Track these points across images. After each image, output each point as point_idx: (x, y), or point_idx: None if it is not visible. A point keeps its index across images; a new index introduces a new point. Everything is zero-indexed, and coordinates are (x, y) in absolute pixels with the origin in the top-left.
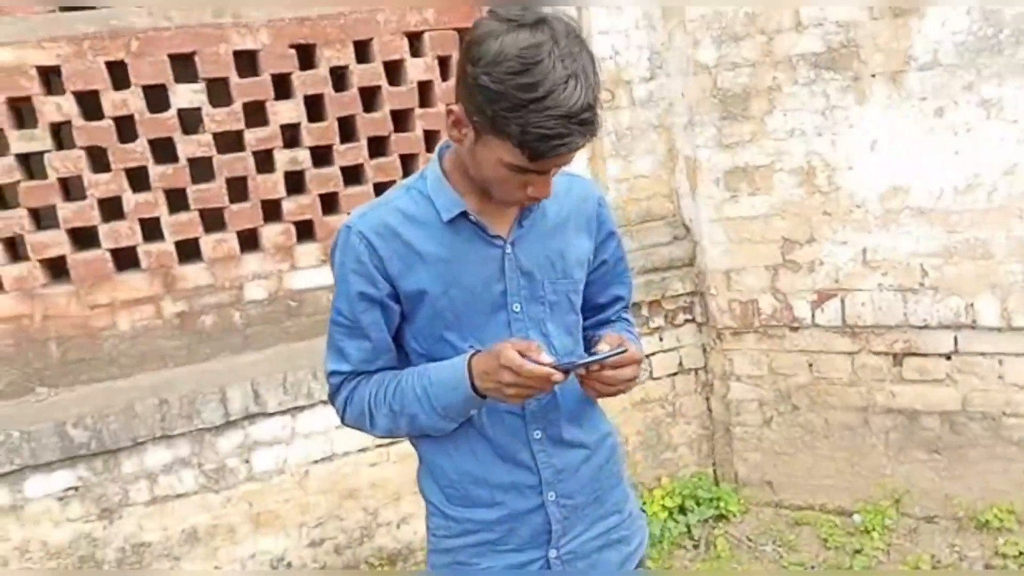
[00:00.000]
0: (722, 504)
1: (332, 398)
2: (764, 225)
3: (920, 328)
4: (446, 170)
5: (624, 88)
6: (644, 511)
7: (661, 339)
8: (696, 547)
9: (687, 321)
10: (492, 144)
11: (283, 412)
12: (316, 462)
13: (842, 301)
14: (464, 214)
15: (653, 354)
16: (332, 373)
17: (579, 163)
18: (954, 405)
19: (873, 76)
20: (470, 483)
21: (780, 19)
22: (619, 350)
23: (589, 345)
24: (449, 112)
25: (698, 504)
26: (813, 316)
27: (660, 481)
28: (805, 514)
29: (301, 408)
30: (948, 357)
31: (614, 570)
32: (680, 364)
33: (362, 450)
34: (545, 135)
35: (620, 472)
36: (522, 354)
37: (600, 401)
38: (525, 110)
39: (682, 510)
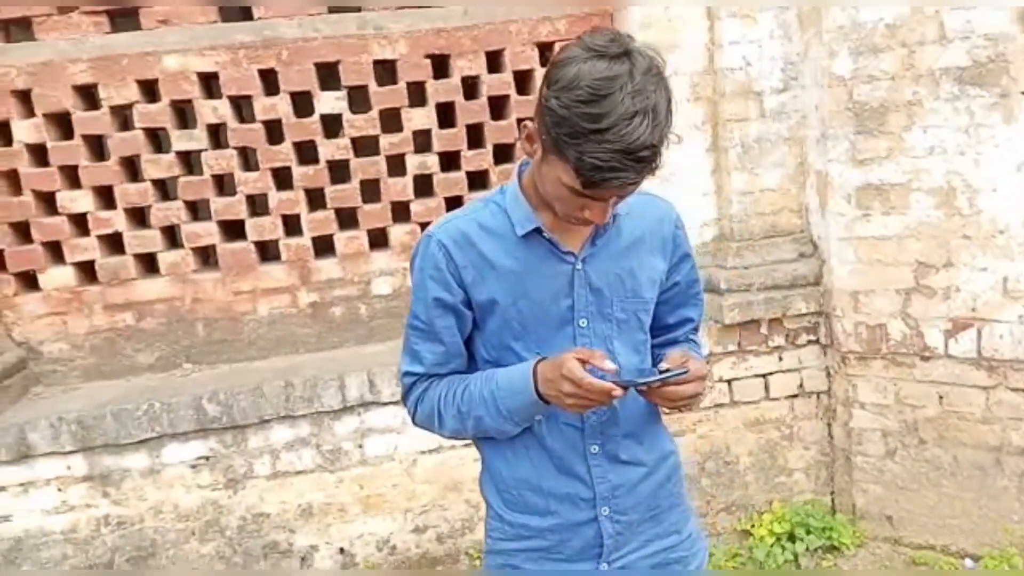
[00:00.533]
0: (835, 535)
1: (404, 398)
2: (897, 246)
3: None
4: (524, 186)
5: (754, 100)
6: (706, 533)
7: (781, 359)
8: None
9: (810, 342)
10: (554, 163)
11: (396, 403)
12: (424, 452)
13: (979, 332)
14: (538, 230)
15: (771, 374)
16: (405, 374)
17: (703, 175)
18: None
19: (1023, 94)
20: (527, 490)
21: (923, 31)
22: (681, 370)
23: (655, 362)
24: (524, 127)
25: (808, 532)
26: (946, 346)
27: (771, 505)
28: (924, 554)
29: None
30: None
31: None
32: (801, 386)
33: (467, 445)
34: (599, 167)
35: (680, 492)
36: (586, 361)
37: (676, 417)
38: (585, 139)
39: (791, 537)
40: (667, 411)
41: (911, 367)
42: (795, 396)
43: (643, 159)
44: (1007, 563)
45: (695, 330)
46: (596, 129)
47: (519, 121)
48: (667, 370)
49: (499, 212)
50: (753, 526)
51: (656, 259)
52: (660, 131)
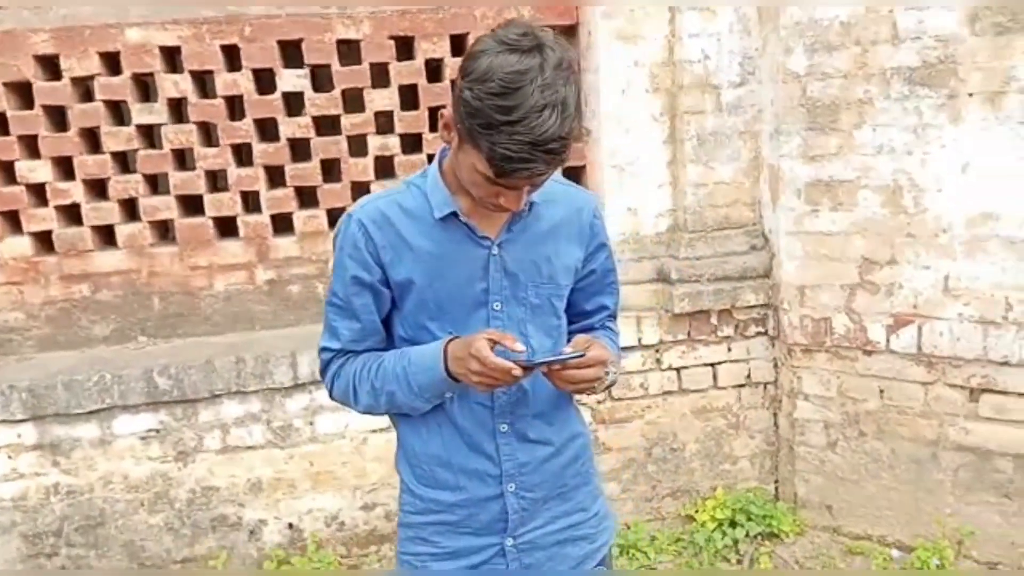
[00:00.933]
0: (775, 523)
1: (322, 373)
2: (844, 242)
3: (1000, 364)
4: (444, 171)
5: (711, 93)
6: (614, 512)
7: (729, 349)
8: (739, 562)
9: (759, 334)
10: (469, 152)
11: None
12: (374, 431)
13: (919, 328)
14: (455, 213)
15: (720, 363)
16: (323, 349)
17: (659, 166)
18: None
19: (970, 95)
20: (437, 465)
21: (877, 30)
22: (577, 353)
23: None
24: (441, 115)
25: (749, 519)
26: (888, 341)
27: (715, 492)
28: (862, 544)
29: None
30: None
31: (572, 564)
32: (748, 376)
33: None
34: (510, 157)
35: (589, 472)
36: (496, 343)
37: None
38: (496, 131)
39: (733, 523)
40: (576, 394)
41: (854, 361)
42: (743, 386)
43: (552, 151)
44: (939, 555)
45: (612, 317)
46: (507, 121)
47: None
48: (567, 353)
49: (420, 195)
50: (697, 511)
51: (572, 247)
52: (569, 124)
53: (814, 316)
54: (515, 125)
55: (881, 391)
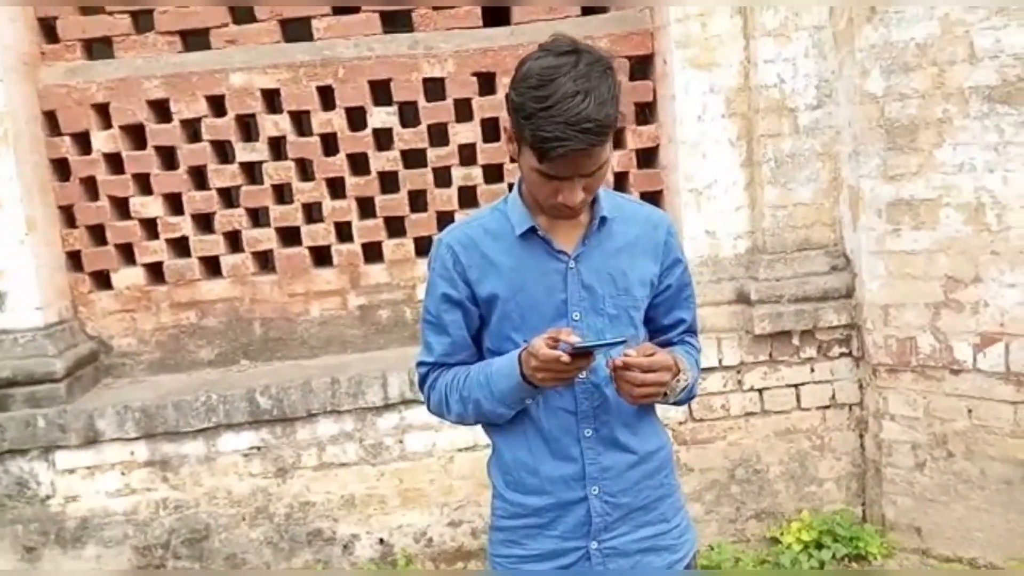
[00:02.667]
0: (862, 544)
1: (420, 387)
2: (927, 261)
3: None
4: (523, 194)
5: (788, 116)
6: (694, 526)
7: (813, 370)
8: None
9: (843, 354)
10: (523, 153)
11: None
12: (461, 450)
13: (1006, 347)
14: (533, 229)
15: (803, 384)
16: (419, 364)
17: (737, 189)
18: None
19: None
20: (524, 471)
21: (953, 50)
22: (620, 339)
23: None
24: (504, 128)
25: (835, 541)
26: (975, 360)
27: (800, 514)
28: (952, 566)
29: None
30: None
31: (654, 573)
32: (833, 397)
33: None
34: (547, 138)
35: (671, 484)
36: (556, 340)
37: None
38: (536, 117)
39: (819, 545)
40: (642, 403)
41: (940, 380)
42: (827, 407)
43: (587, 130)
44: None
45: (691, 332)
46: (544, 107)
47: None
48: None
49: (502, 217)
50: (782, 533)
51: (647, 262)
52: (604, 110)
53: (898, 336)
54: (551, 110)
55: (969, 411)
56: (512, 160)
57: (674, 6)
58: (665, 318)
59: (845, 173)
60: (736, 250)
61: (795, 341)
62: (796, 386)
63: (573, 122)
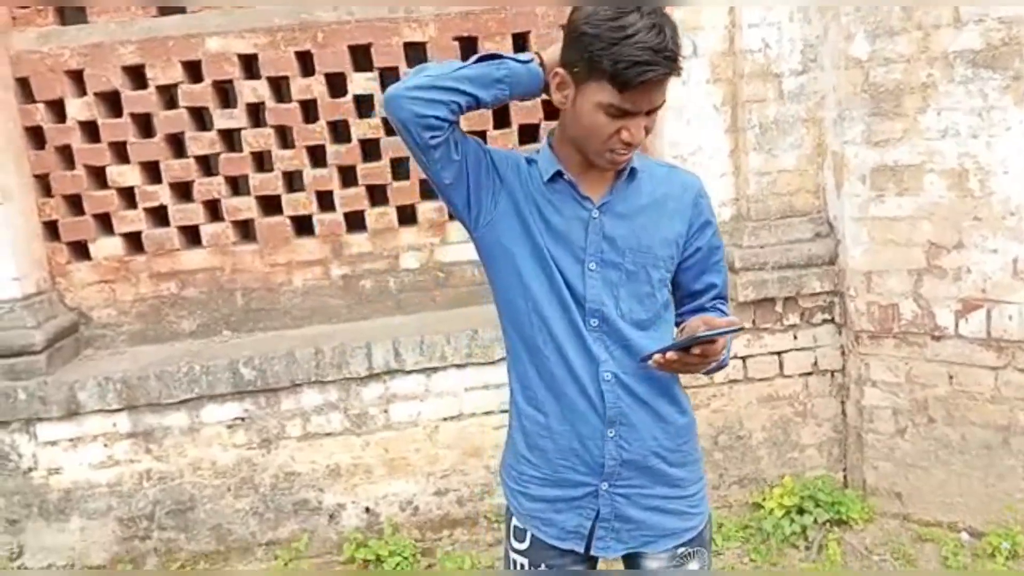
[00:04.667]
0: (843, 509)
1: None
2: (910, 227)
3: None
4: (553, 146)
5: (772, 81)
6: (715, 505)
7: (795, 337)
8: (808, 548)
9: (825, 321)
10: (589, 90)
11: (420, 371)
12: (446, 419)
13: (988, 312)
14: (560, 173)
15: (786, 351)
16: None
17: (721, 155)
18: None
19: None
20: (547, 391)
21: (938, 14)
22: (736, 327)
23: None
24: (555, 75)
25: (817, 506)
26: (956, 326)
27: (782, 480)
28: (932, 530)
29: (435, 369)
30: None
31: (663, 533)
32: (815, 364)
33: (487, 413)
34: (636, 62)
35: (691, 454)
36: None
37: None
38: (618, 46)
39: (800, 511)
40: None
41: (922, 347)
42: (809, 374)
43: (669, 57)
44: (1011, 540)
45: (722, 299)
46: (626, 36)
47: (544, 103)
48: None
49: (533, 166)
50: (764, 499)
51: (675, 222)
52: (677, 42)
53: (881, 302)
54: (633, 37)
55: (950, 377)
56: (560, 104)
57: None
58: (696, 282)
59: (829, 139)
60: (720, 217)
61: (778, 308)
62: (779, 353)
63: (658, 48)
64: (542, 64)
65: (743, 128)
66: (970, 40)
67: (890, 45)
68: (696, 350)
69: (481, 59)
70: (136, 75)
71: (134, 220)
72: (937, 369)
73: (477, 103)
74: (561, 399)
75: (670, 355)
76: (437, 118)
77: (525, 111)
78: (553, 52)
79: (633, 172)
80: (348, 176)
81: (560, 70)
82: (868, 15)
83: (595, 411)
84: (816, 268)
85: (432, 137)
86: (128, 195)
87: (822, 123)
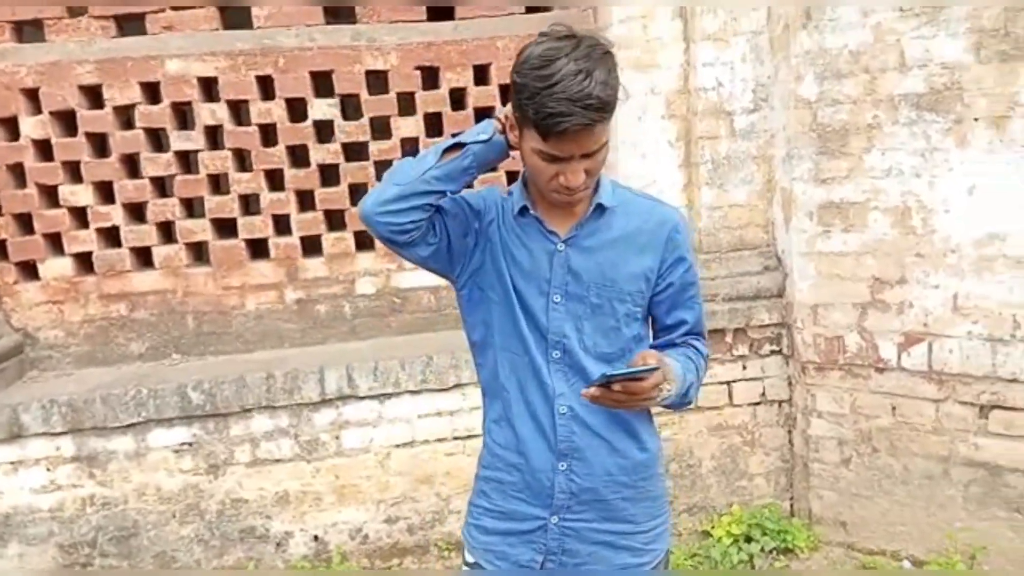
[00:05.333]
0: (790, 538)
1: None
2: (855, 262)
3: (1009, 381)
4: (526, 181)
5: (725, 119)
6: (670, 540)
7: (744, 367)
8: None
9: (773, 352)
10: (526, 136)
11: (372, 397)
12: (398, 446)
13: (929, 346)
14: (526, 208)
15: (735, 381)
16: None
17: (675, 189)
18: None
19: (976, 120)
20: (505, 423)
21: (885, 58)
22: (650, 367)
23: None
24: (507, 117)
25: (764, 534)
26: (899, 359)
27: (731, 508)
28: (875, 559)
29: (389, 395)
30: None
31: (610, 570)
32: (763, 394)
33: (440, 440)
34: (551, 114)
35: (648, 489)
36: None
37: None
38: (539, 95)
39: (748, 539)
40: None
41: (866, 378)
42: (758, 404)
43: (589, 106)
44: (951, 568)
45: (694, 334)
46: (547, 86)
47: None
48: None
49: (509, 200)
50: (713, 527)
51: (645, 257)
52: (605, 89)
53: (827, 335)
54: (553, 88)
55: (893, 408)
56: (511, 148)
57: (617, 7)
58: (667, 317)
59: (779, 176)
60: None
61: (728, 339)
62: (728, 383)
63: (576, 98)
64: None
65: (696, 163)
66: (914, 84)
67: (838, 87)
68: (616, 387)
69: (446, 150)
70: (93, 95)
71: (85, 240)
72: (881, 401)
73: (446, 195)
74: (518, 432)
75: (593, 390)
76: (412, 222)
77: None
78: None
79: (601, 208)
80: (306, 200)
81: (508, 113)
82: (817, 57)
83: (547, 444)
84: (765, 300)
85: (410, 237)
86: (80, 215)
87: (772, 160)
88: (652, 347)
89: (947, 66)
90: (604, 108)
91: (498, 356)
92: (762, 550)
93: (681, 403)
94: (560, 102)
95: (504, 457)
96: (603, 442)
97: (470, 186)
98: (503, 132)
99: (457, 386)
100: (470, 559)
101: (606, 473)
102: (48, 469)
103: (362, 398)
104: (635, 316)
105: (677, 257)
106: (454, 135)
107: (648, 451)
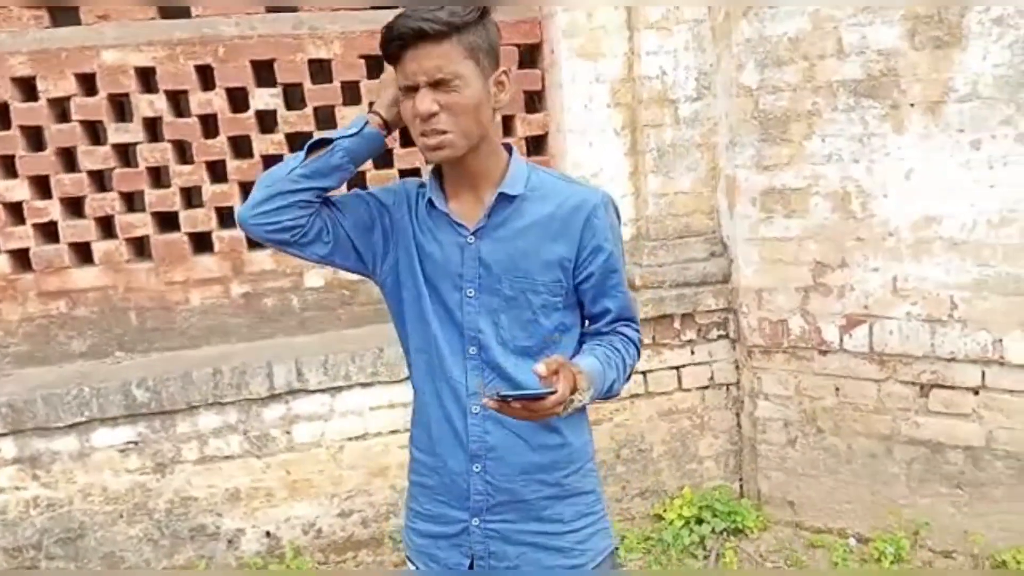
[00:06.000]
0: (739, 519)
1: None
2: (797, 247)
3: (948, 360)
4: (441, 172)
5: (669, 107)
6: (613, 539)
7: (693, 352)
8: (706, 558)
9: (720, 337)
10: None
11: (323, 391)
12: (350, 439)
13: (870, 328)
14: (432, 202)
15: (684, 366)
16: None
17: (622, 177)
18: (979, 441)
19: (912, 106)
20: (423, 429)
21: (823, 45)
22: (547, 390)
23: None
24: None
25: (714, 516)
26: (841, 340)
27: (682, 491)
28: (823, 537)
29: (339, 388)
30: (975, 392)
31: (538, 571)
32: (711, 378)
33: (393, 432)
34: (388, 34)
35: (575, 486)
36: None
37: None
38: (383, 34)
39: (699, 521)
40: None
41: (810, 360)
42: (706, 387)
43: (426, 18)
44: (895, 545)
45: (622, 321)
46: (384, 29)
47: None
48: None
49: (423, 193)
50: (665, 510)
51: (557, 245)
52: (451, 14)
53: (771, 319)
54: (387, 31)
55: (837, 389)
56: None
57: None
58: (593, 306)
59: (722, 163)
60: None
61: (676, 325)
62: (678, 368)
63: (409, 14)
64: (383, 121)
65: (642, 151)
66: (852, 71)
67: (778, 74)
68: (515, 404)
69: (312, 147)
70: (27, 87)
71: (22, 236)
72: (824, 382)
73: (324, 191)
74: (432, 434)
75: (490, 403)
76: (289, 221)
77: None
78: (383, 98)
79: (506, 196)
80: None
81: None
82: (758, 45)
83: (460, 445)
84: (711, 286)
85: (293, 236)
86: (16, 211)
87: (716, 148)
88: (583, 335)
89: (883, 52)
90: (445, 25)
91: (414, 357)
92: (713, 531)
93: (604, 398)
94: (392, 26)
95: (423, 461)
96: (518, 439)
97: (361, 181)
98: (384, 126)
99: (408, 378)
100: (410, 560)
101: (522, 472)
102: None
103: (312, 392)
104: (554, 306)
105: (596, 246)
106: (322, 133)
107: (570, 445)
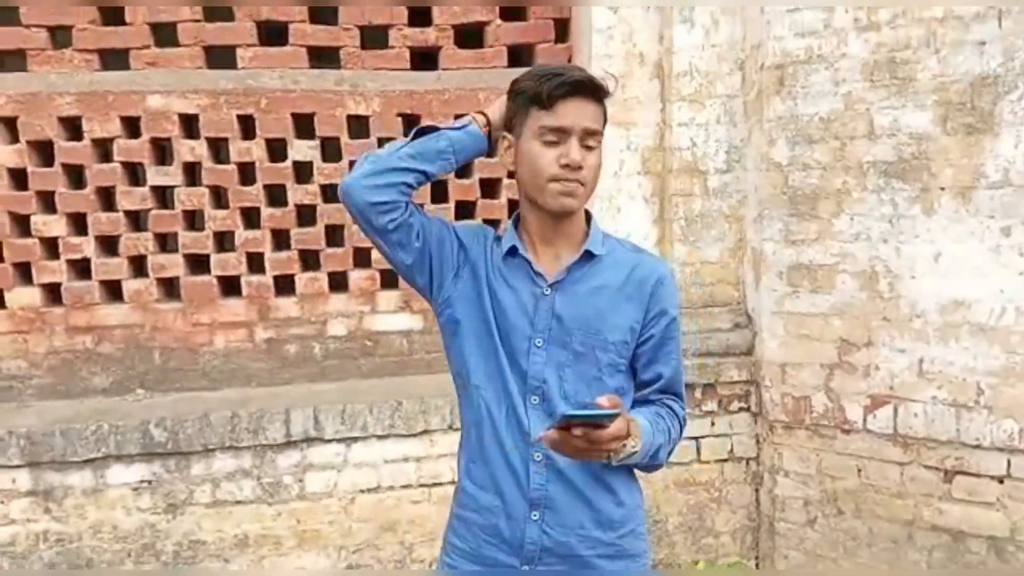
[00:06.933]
0: None
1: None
2: (823, 323)
3: (973, 447)
4: (518, 224)
5: (698, 177)
6: None
7: (713, 424)
8: None
9: (742, 409)
10: (526, 128)
11: (338, 440)
12: (363, 491)
13: (895, 409)
14: (515, 249)
15: (703, 437)
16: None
17: (648, 244)
18: (1003, 531)
19: (942, 189)
20: (484, 465)
21: (854, 126)
22: (613, 411)
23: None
24: (502, 139)
25: None
26: (865, 421)
27: (696, 565)
28: None
29: (355, 439)
30: (1000, 480)
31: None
32: (731, 451)
33: (406, 486)
34: (555, 74)
35: (626, 548)
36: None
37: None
38: (544, 79)
39: None
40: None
41: (832, 439)
42: (725, 460)
43: (590, 78)
44: None
45: (672, 394)
46: (549, 75)
47: (481, 180)
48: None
49: (498, 242)
50: None
51: (630, 307)
52: (601, 80)
53: (794, 394)
54: (556, 77)
55: (859, 470)
56: (510, 176)
57: (596, 63)
58: (645, 371)
59: (750, 235)
60: None
61: (697, 395)
62: (697, 439)
63: (577, 80)
64: (488, 124)
65: (670, 219)
66: (883, 152)
67: (809, 152)
68: (577, 431)
69: (419, 133)
70: (72, 126)
71: (55, 271)
72: (846, 462)
73: (426, 177)
74: (492, 474)
75: (550, 433)
76: (389, 201)
77: (462, 189)
78: (495, 108)
79: (590, 254)
80: (281, 239)
81: (505, 133)
82: (789, 123)
83: (520, 491)
84: (734, 357)
85: (389, 221)
86: (51, 245)
87: (743, 220)
88: (633, 403)
89: (915, 136)
90: (600, 90)
91: (476, 393)
92: None
93: (649, 464)
94: (564, 79)
95: (477, 497)
96: (580, 496)
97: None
98: (487, 131)
99: (425, 432)
100: None
101: (580, 527)
102: (2, 502)
103: (328, 441)
104: (618, 367)
105: (660, 310)
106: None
107: (625, 506)
